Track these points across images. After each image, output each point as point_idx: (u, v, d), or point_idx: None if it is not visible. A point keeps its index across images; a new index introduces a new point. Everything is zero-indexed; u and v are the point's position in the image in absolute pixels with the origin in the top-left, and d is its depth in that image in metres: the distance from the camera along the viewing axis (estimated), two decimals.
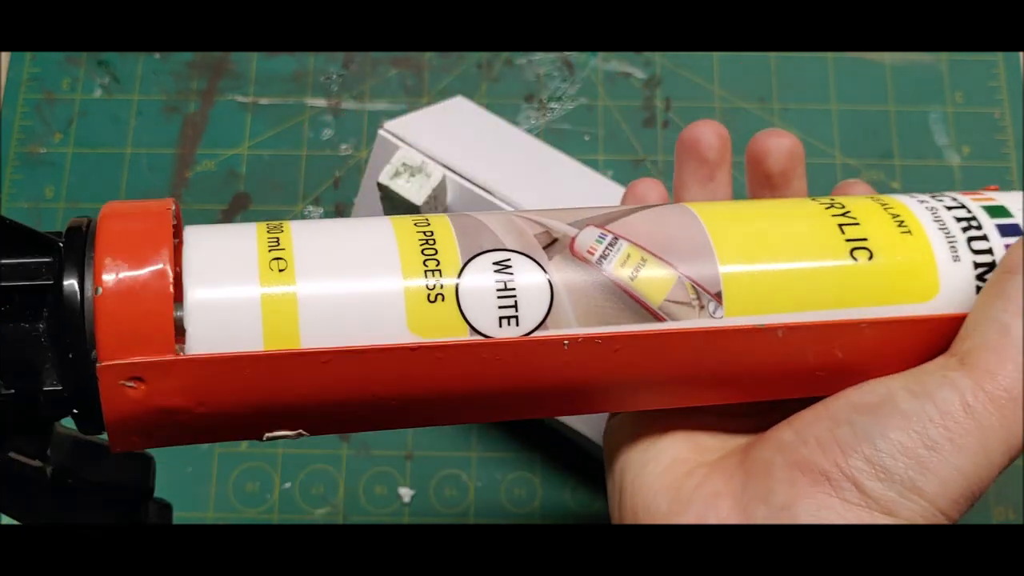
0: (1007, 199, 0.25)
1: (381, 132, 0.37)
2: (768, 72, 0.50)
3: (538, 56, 0.51)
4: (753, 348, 0.23)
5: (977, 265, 0.24)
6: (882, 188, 0.48)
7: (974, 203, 0.25)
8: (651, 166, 0.49)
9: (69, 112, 0.50)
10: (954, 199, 0.25)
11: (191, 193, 0.48)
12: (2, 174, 0.49)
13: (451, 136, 0.39)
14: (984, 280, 0.23)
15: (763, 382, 0.24)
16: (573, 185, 0.42)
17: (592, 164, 0.48)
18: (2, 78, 0.50)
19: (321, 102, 0.50)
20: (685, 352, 0.22)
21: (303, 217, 0.48)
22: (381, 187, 0.34)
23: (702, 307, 0.22)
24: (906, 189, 0.48)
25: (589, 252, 0.23)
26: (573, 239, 0.23)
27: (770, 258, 0.23)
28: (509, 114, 0.49)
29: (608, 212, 0.24)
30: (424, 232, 0.22)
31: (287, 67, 0.51)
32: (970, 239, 0.24)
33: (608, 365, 0.22)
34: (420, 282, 0.21)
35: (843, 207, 0.24)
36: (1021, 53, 0.50)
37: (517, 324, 0.22)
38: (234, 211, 0.48)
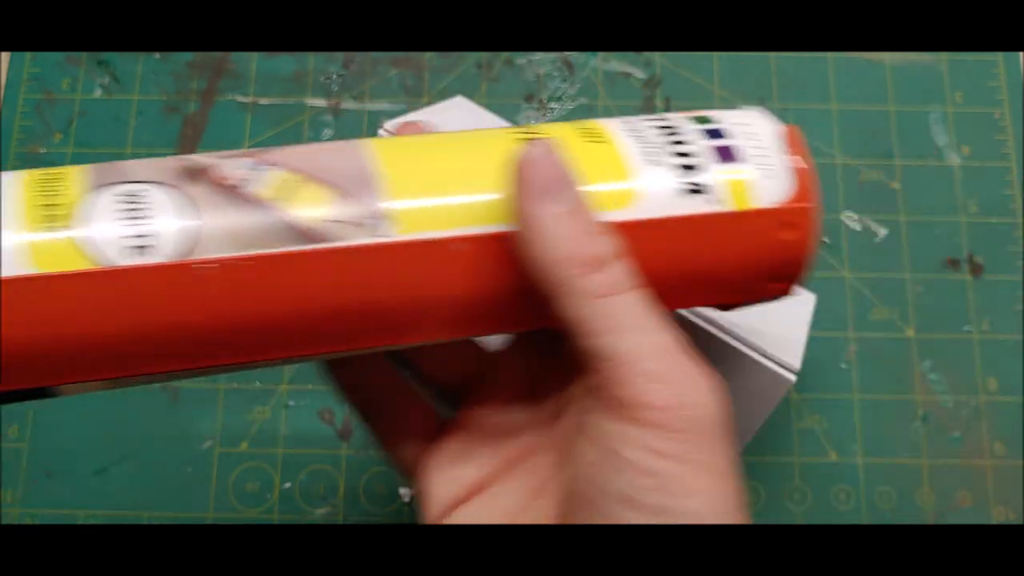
0: (720, 112, 0.26)
1: (381, 132, 0.37)
2: (768, 72, 0.50)
3: (538, 56, 0.51)
4: (432, 264, 0.22)
5: (677, 168, 0.24)
6: (882, 188, 0.48)
7: (680, 115, 0.26)
8: None
9: (69, 112, 0.50)
10: (660, 116, 0.26)
11: None
12: None
13: None
14: (689, 184, 0.24)
15: (464, 307, 0.23)
16: None
17: None
18: (2, 78, 0.50)
19: (321, 102, 0.50)
20: (359, 271, 0.22)
21: None
22: None
23: (366, 226, 0.22)
24: (906, 189, 0.48)
25: (242, 179, 0.22)
26: (220, 168, 0.22)
27: (444, 173, 0.23)
28: (509, 114, 0.49)
29: (274, 148, 0.24)
30: (50, 175, 0.22)
31: (287, 67, 0.51)
32: (672, 137, 0.25)
33: (278, 291, 0.21)
34: (40, 215, 0.21)
35: (535, 131, 0.25)
36: (1021, 53, 0.50)
37: (150, 254, 0.21)
38: None
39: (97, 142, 0.49)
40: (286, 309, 0.22)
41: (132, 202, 0.21)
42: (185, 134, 0.49)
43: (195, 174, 0.22)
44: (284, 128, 0.49)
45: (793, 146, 0.26)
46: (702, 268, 0.25)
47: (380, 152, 0.23)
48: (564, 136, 0.25)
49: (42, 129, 0.49)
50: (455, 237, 0.22)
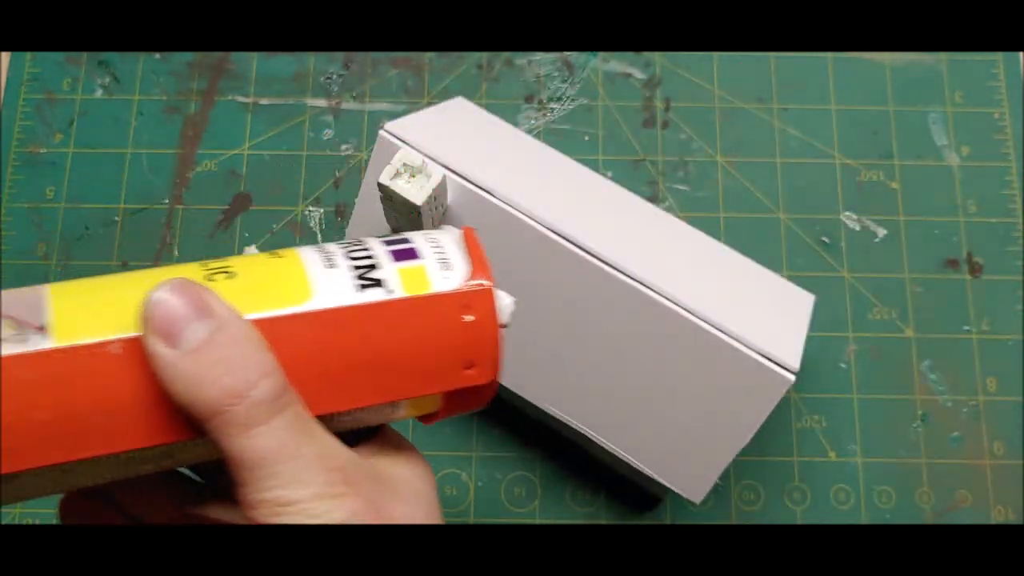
0: (408, 233, 0.29)
1: (381, 132, 0.37)
2: (768, 72, 0.50)
3: (538, 56, 0.51)
4: (90, 370, 0.23)
5: (356, 268, 0.26)
6: (882, 188, 0.48)
7: (371, 238, 0.28)
8: (650, 166, 0.49)
9: (69, 112, 0.50)
10: (352, 240, 0.28)
11: (192, 193, 0.48)
12: (2, 174, 0.49)
13: (451, 137, 0.39)
14: (365, 280, 0.26)
15: (129, 413, 0.23)
16: (572, 186, 0.42)
17: (592, 164, 0.48)
18: (2, 78, 0.50)
19: (321, 102, 0.50)
20: (11, 383, 0.23)
21: (304, 217, 0.48)
22: (381, 187, 0.34)
23: (24, 340, 0.23)
24: (906, 189, 0.48)
25: None
26: None
27: (105, 295, 0.24)
28: (509, 114, 0.49)
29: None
30: None
31: (287, 67, 0.51)
32: (349, 251, 0.27)
33: None
34: None
35: (223, 265, 0.26)
36: (1021, 53, 0.50)
37: None
38: (235, 211, 0.48)
39: (98, 142, 0.49)
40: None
41: None
42: (185, 134, 0.49)
43: None
44: (284, 128, 0.49)
45: (469, 241, 0.28)
46: (389, 353, 0.26)
47: (55, 286, 0.25)
48: (248, 261, 0.26)
49: (42, 129, 0.49)
50: (108, 341, 0.23)
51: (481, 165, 0.37)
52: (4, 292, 0.24)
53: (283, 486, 0.23)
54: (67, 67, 0.51)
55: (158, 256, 0.47)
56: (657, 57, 0.51)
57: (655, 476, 0.37)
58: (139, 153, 0.49)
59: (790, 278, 0.47)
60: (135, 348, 0.23)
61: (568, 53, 0.51)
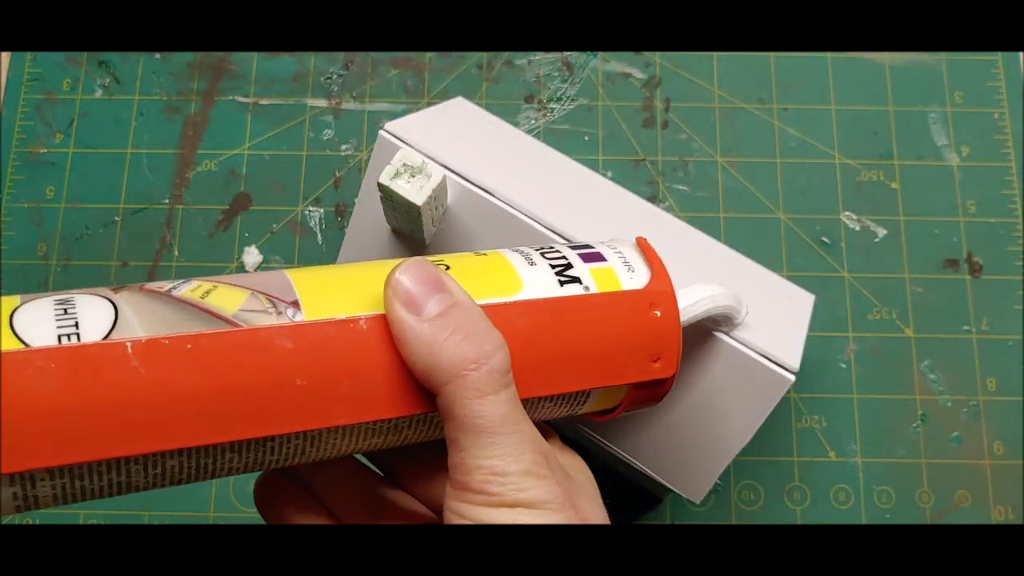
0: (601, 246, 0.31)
1: (382, 132, 0.37)
2: (768, 72, 0.50)
3: (538, 57, 0.51)
4: (344, 341, 0.25)
5: (553, 267, 0.29)
6: (882, 188, 0.48)
7: (558, 244, 0.31)
8: (650, 166, 0.49)
9: (70, 112, 0.50)
10: (546, 245, 0.31)
11: (192, 193, 0.48)
12: (2, 174, 0.49)
13: (451, 137, 0.39)
14: (563, 276, 0.28)
15: (374, 383, 0.25)
16: (573, 185, 0.42)
17: (592, 164, 0.48)
18: (2, 78, 0.50)
19: (322, 102, 0.50)
20: (272, 351, 0.24)
21: (304, 217, 0.48)
22: (381, 187, 0.34)
23: (279, 312, 0.24)
24: (906, 189, 0.48)
25: (159, 287, 0.25)
26: (143, 284, 0.25)
27: (345, 279, 0.26)
28: (509, 114, 0.50)
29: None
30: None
31: (288, 68, 0.51)
32: (543, 252, 0.29)
33: (196, 369, 0.23)
34: None
35: (440, 259, 0.28)
36: (1021, 53, 0.51)
37: (78, 339, 0.22)
38: (235, 211, 0.48)
39: (98, 142, 0.49)
40: (204, 389, 0.23)
41: (62, 304, 0.23)
42: (186, 134, 0.49)
43: (122, 287, 0.25)
44: (284, 128, 0.49)
45: (645, 249, 0.30)
46: (588, 343, 0.28)
47: (291, 271, 0.27)
48: (459, 258, 0.28)
49: (43, 129, 0.49)
50: (356, 317, 0.25)
51: (481, 165, 0.37)
52: (250, 274, 0.26)
53: (500, 456, 0.24)
54: (67, 67, 0.51)
55: (158, 256, 0.47)
56: (657, 57, 0.51)
57: (655, 476, 0.37)
58: (139, 153, 0.49)
59: (790, 278, 0.47)
60: (380, 325, 0.25)
61: (568, 53, 0.51)
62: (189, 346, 0.23)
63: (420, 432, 0.27)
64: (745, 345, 0.34)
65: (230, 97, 0.50)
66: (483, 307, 0.26)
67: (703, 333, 0.34)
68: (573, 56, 0.51)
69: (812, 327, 0.46)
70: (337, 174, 0.49)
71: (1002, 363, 0.46)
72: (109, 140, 0.49)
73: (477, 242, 0.36)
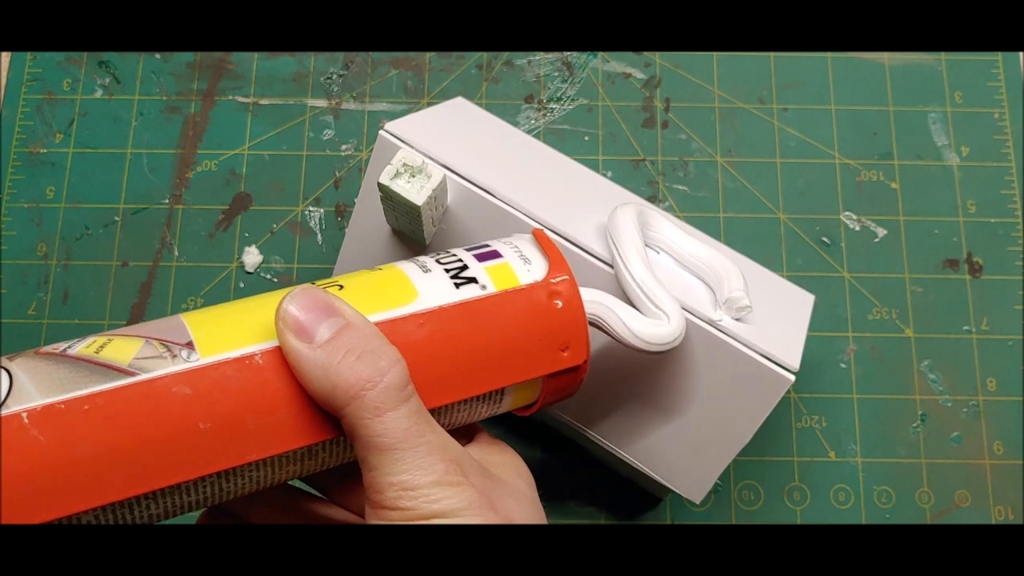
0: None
1: (382, 133, 0.37)
2: (768, 72, 0.50)
3: (538, 57, 0.51)
4: (242, 379, 0.25)
5: (448, 271, 0.29)
6: (882, 188, 0.48)
7: (454, 248, 0.31)
8: (650, 166, 0.49)
9: (70, 112, 0.50)
10: (441, 250, 0.31)
11: (192, 194, 0.48)
12: (2, 174, 0.49)
13: (451, 137, 0.39)
14: (459, 279, 0.28)
15: (279, 415, 0.25)
16: (573, 186, 0.42)
17: (592, 165, 0.48)
18: (2, 78, 0.50)
19: (322, 102, 0.50)
20: (170, 399, 0.24)
21: (304, 217, 0.48)
22: (381, 187, 0.34)
23: (174, 356, 0.25)
24: (905, 189, 0.48)
25: (55, 348, 0.25)
26: (39, 348, 0.25)
27: (236, 315, 0.26)
28: (509, 114, 0.50)
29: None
30: None
31: (288, 68, 0.51)
32: (438, 258, 0.30)
33: (97, 430, 0.23)
34: None
35: (335, 280, 0.28)
36: (1021, 53, 0.51)
37: None
38: (235, 211, 0.48)
39: (98, 142, 0.49)
40: (106, 447, 0.23)
41: None
42: (186, 134, 0.49)
43: (17, 355, 0.25)
44: (285, 128, 0.49)
45: (542, 240, 0.30)
46: (492, 342, 0.28)
47: (186, 314, 0.27)
48: (354, 275, 0.29)
49: (43, 129, 0.49)
50: (252, 353, 0.25)
51: (481, 165, 0.37)
52: (145, 323, 0.26)
53: (408, 471, 0.24)
54: (67, 67, 0.51)
55: (158, 256, 0.47)
56: (657, 57, 0.51)
57: (655, 476, 0.37)
58: (139, 153, 0.49)
59: (790, 278, 0.47)
60: (276, 356, 0.25)
61: (568, 53, 0.51)
62: (86, 407, 0.23)
63: (337, 455, 0.27)
64: (745, 345, 0.34)
65: (230, 97, 0.50)
66: (379, 322, 0.26)
67: (703, 333, 0.34)
68: (573, 56, 0.51)
69: (812, 327, 0.46)
70: (337, 174, 0.49)
71: (1002, 363, 0.46)
72: (109, 140, 0.49)
73: (477, 242, 0.36)
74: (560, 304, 0.29)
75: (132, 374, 0.24)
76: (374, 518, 0.25)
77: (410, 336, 0.27)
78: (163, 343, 0.25)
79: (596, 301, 0.31)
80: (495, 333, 0.28)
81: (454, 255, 0.30)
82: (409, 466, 0.25)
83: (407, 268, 0.29)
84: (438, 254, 0.30)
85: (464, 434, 0.31)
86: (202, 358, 0.25)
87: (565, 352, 0.29)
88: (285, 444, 0.25)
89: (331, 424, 0.26)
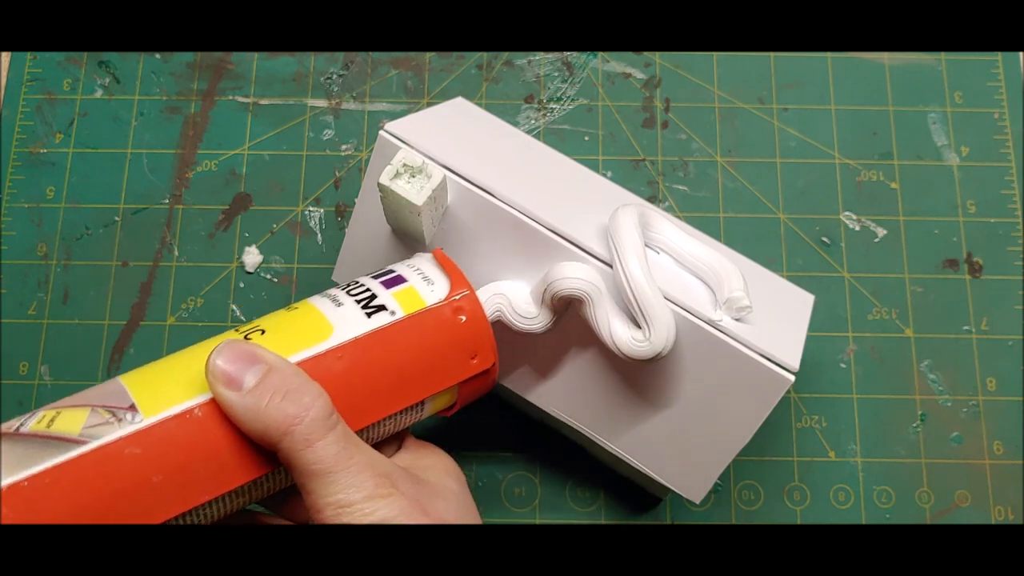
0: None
1: (382, 133, 0.37)
2: (768, 72, 0.50)
3: (538, 57, 0.51)
4: (184, 432, 0.27)
5: (359, 302, 0.31)
6: (882, 188, 0.48)
7: (361, 277, 0.33)
8: (650, 166, 0.49)
9: (70, 112, 0.50)
10: (350, 281, 0.33)
11: (192, 194, 0.48)
12: (3, 174, 0.49)
13: (452, 137, 0.39)
14: (369, 308, 0.31)
15: (223, 459, 0.28)
16: (572, 186, 0.42)
17: (592, 165, 0.48)
18: (2, 78, 0.50)
19: (322, 103, 0.50)
20: (123, 460, 0.26)
21: (304, 217, 0.48)
22: (381, 187, 0.34)
23: (120, 419, 0.27)
24: (905, 189, 0.48)
25: (8, 427, 0.27)
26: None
27: (173, 371, 0.29)
28: (509, 114, 0.50)
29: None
30: None
31: (288, 68, 0.51)
32: (348, 290, 0.32)
33: (63, 498, 0.25)
34: None
35: (255, 325, 0.31)
36: (1021, 53, 0.51)
37: None
38: (235, 211, 0.48)
39: (98, 142, 0.49)
40: (72, 512, 0.26)
41: None
42: (186, 134, 0.49)
43: None
44: (285, 128, 0.49)
45: (442, 260, 0.33)
46: (406, 362, 0.31)
47: (123, 376, 0.29)
48: (271, 318, 0.31)
49: (43, 129, 0.49)
50: (191, 407, 0.28)
51: (481, 165, 0.37)
52: (87, 391, 0.29)
53: (342, 491, 0.27)
54: (67, 67, 0.51)
55: (158, 256, 0.47)
56: (657, 57, 0.51)
57: (655, 476, 0.37)
58: (139, 153, 0.49)
59: (790, 278, 0.47)
60: (211, 407, 0.28)
61: (568, 53, 0.51)
62: (47, 480, 0.25)
63: (279, 482, 0.30)
64: (745, 345, 0.34)
65: (230, 97, 0.50)
66: (301, 361, 0.29)
67: (702, 333, 0.34)
68: (573, 56, 0.51)
69: (812, 327, 0.46)
70: (337, 174, 0.49)
71: (1002, 363, 0.46)
72: (109, 140, 0.49)
73: (477, 242, 0.36)
74: (464, 319, 0.32)
75: (84, 443, 0.26)
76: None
77: (331, 369, 0.29)
78: (107, 409, 0.27)
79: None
80: (408, 354, 0.31)
81: (362, 285, 0.32)
82: (342, 486, 0.27)
83: (321, 304, 0.31)
84: (348, 285, 0.33)
85: (395, 440, 0.34)
86: (145, 418, 0.27)
87: (474, 359, 0.32)
88: (231, 483, 0.28)
89: (270, 458, 0.28)
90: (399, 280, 0.33)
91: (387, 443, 0.34)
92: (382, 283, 0.32)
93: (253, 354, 0.28)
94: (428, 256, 0.34)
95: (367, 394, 0.30)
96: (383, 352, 0.30)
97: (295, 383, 0.28)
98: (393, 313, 0.31)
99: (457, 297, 0.32)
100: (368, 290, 0.32)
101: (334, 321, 0.31)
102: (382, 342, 0.30)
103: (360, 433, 0.30)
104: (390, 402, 0.31)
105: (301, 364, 0.29)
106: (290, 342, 0.30)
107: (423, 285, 0.33)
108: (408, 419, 0.33)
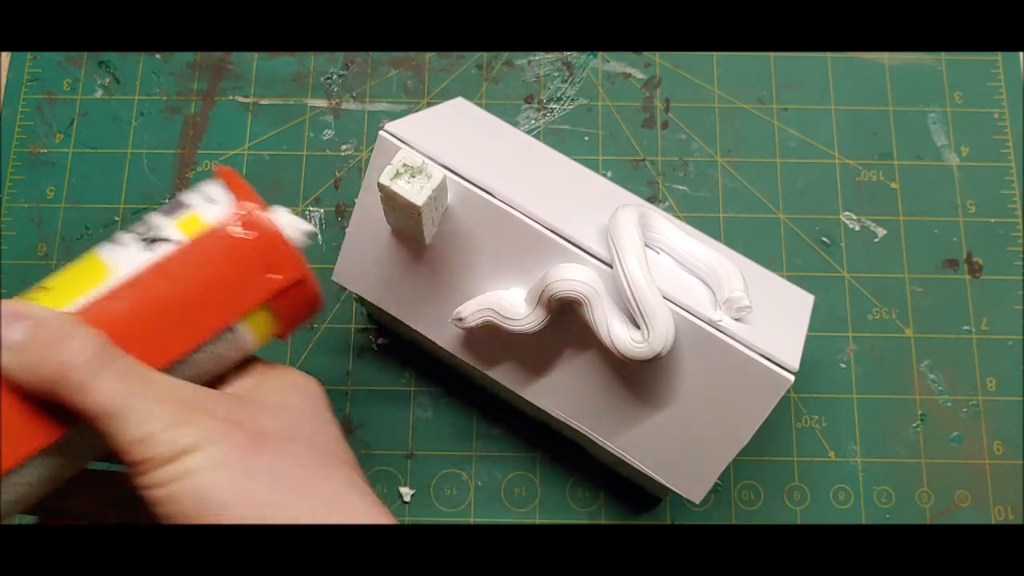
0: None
1: (382, 133, 0.37)
2: (768, 72, 0.50)
3: (538, 57, 0.51)
4: None
5: (139, 238, 0.30)
6: (882, 188, 0.48)
7: (154, 213, 0.32)
8: (650, 166, 0.49)
9: (70, 112, 0.50)
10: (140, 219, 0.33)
11: None
12: (3, 174, 0.49)
13: (452, 137, 0.39)
14: (150, 241, 0.30)
15: (12, 431, 0.27)
16: (572, 186, 0.42)
17: (592, 165, 0.49)
18: (2, 78, 0.50)
19: (322, 103, 0.50)
20: None
21: (304, 217, 0.48)
22: (381, 188, 0.34)
23: None
24: (905, 189, 0.48)
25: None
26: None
27: None
28: (509, 114, 0.50)
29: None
30: None
31: (288, 68, 0.51)
32: (132, 228, 0.31)
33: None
34: None
35: (41, 283, 0.30)
36: (1021, 53, 0.51)
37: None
38: None
39: (98, 142, 0.49)
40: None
41: None
42: (186, 134, 0.49)
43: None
44: (285, 128, 0.49)
45: (227, 178, 0.31)
46: (197, 289, 0.30)
47: None
48: (57, 274, 0.30)
49: (43, 129, 0.49)
50: None
51: (481, 165, 0.37)
52: None
53: (135, 426, 0.26)
54: (67, 67, 0.51)
55: None
56: (657, 57, 0.51)
57: (655, 476, 0.37)
58: (139, 153, 0.49)
59: (790, 278, 0.47)
60: None
61: (568, 53, 0.51)
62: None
63: (94, 441, 0.29)
64: (745, 345, 0.34)
65: (230, 97, 0.50)
66: (79, 309, 0.28)
67: (702, 333, 0.34)
68: (573, 56, 0.51)
69: (812, 327, 0.46)
70: (337, 174, 0.49)
71: (1002, 363, 0.46)
72: (109, 140, 0.49)
73: (477, 242, 0.36)
74: (250, 233, 0.30)
75: None
76: (136, 478, 0.27)
77: (111, 310, 0.28)
78: None
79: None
80: (193, 280, 0.30)
81: (147, 221, 0.31)
82: (135, 422, 0.26)
83: (101, 249, 0.30)
84: (135, 224, 0.31)
85: (241, 370, 0.33)
86: None
87: (272, 274, 0.31)
88: (24, 449, 0.27)
89: (68, 416, 0.27)
90: (180, 206, 0.31)
91: (233, 375, 0.32)
92: (163, 213, 0.31)
93: (18, 312, 0.28)
94: (220, 182, 0.33)
95: (159, 330, 0.29)
96: (167, 284, 0.29)
97: (64, 331, 0.27)
98: (179, 242, 0.30)
99: (242, 212, 0.30)
100: (148, 224, 0.31)
101: (111, 263, 0.30)
102: (164, 273, 0.29)
103: (173, 370, 0.29)
104: (189, 334, 0.30)
105: (78, 313, 0.28)
106: (68, 293, 0.29)
107: (205, 207, 0.31)
108: (226, 348, 0.31)
